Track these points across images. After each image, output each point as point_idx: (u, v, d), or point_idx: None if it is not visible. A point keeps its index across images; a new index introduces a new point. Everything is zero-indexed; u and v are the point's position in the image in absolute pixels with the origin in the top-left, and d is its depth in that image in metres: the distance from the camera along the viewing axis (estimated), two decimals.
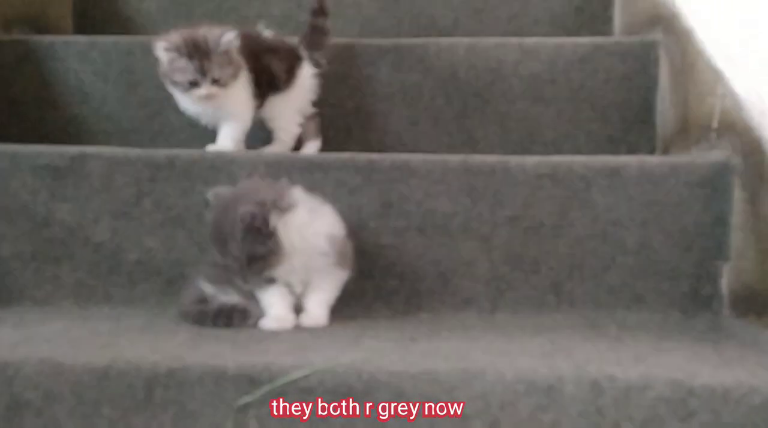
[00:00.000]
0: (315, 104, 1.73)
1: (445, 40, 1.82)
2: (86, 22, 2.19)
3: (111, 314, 1.38)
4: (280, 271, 1.27)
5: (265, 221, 1.23)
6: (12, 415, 1.07)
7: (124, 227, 1.44)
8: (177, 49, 1.53)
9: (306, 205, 1.29)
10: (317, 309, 1.30)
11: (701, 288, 1.40)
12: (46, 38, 1.88)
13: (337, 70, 1.80)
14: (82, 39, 1.87)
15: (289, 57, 1.69)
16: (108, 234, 1.44)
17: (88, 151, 1.46)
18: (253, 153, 1.51)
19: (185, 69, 1.53)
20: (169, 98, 1.81)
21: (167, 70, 1.56)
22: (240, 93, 1.61)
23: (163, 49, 1.54)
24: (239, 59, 1.58)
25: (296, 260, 1.27)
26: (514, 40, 1.80)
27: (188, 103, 1.60)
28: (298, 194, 1.30)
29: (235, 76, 1.57)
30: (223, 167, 1.45)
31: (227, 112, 1.61)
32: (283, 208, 1.25)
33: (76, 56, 1.83)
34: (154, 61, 1.81)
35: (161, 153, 1.47)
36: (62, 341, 1.17)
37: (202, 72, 1.53)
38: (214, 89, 1.54)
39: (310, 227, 1.27)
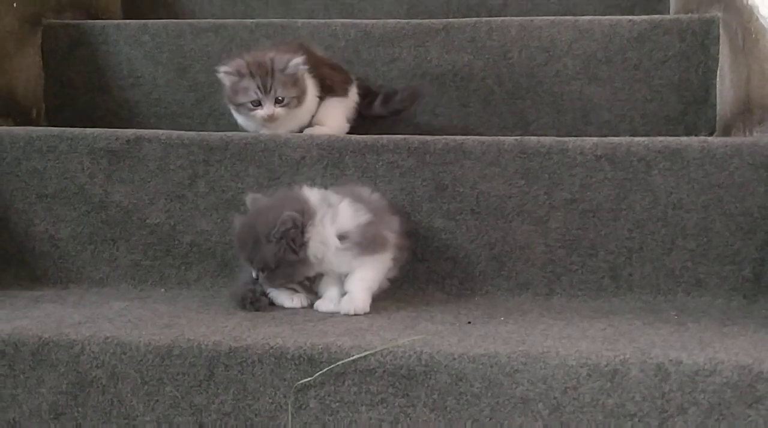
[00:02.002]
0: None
1: (496, 20, 1.79)
2: (134, 8, 2.21)
3: (167, 295, 1.40)
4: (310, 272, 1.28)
5: (302, 230, 1.23)
6: (78, 392, 1.09)
7: (178, 209, 1.45)
8: (238, 72, 1.51)
9: (322, 206, 1.27)
10: (356, 293, 1.27)
11: (764, 273, 1.37)
12: (98, 23, 1.90)
13: (386, 51, 1.79)
14: (133, 23, 1.88)
15: (343, 74, 1.69)
16: (163, 216, 1.45)
17: (144, 134, 1.47)
18: (305, 135, 1.50)
19: (247, 88, 1.51)
20: (219, 82, 1.82)
21: (230, 93, 1.54)
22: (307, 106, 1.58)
23: (224, 73, 1.53)
24: (306, 84, 1.55)
25: (324, 259, 1.26)
26: (568, 18, 1.77)
27: (252, 126, 1.57)
28: (312, 196, 1.28)
29: (300, 100, 1.54)
30: (276, 149, 1.45)
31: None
32: (312, 217, 1.25)
33: (127, 40, 1.85)
34: (204, 44, 1.83)
35: (215, 136, 1.47)
36: (124, 321, 1.19)
37: (265, 90, 1.50)
38: (278, 110, 1.51)
39: (325, 232, 1.26)
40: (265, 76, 1.50)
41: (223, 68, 1.53)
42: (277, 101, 1.51)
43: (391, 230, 1.31)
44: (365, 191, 1.36)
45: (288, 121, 1.56)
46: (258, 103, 1.51)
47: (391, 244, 1.31)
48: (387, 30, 1.80)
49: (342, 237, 1.26)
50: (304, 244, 1.24)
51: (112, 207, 1.46)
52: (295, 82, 1.53)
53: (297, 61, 1.52)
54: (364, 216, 1.27)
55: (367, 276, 1.28)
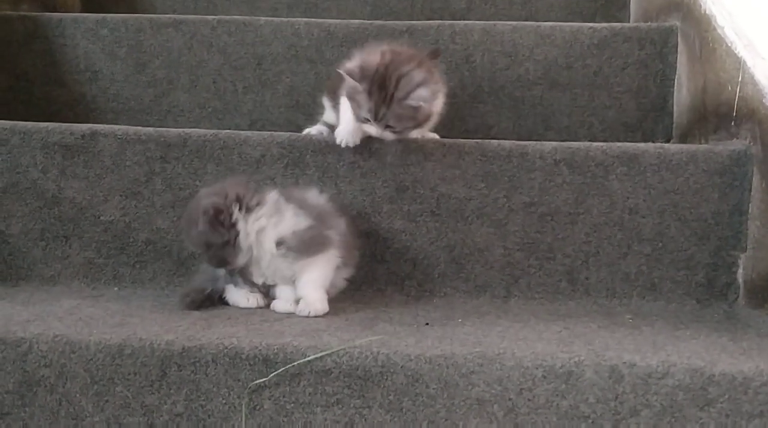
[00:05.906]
0: None
1: (460, 23, 1.80)
2: (92, 1, 2.17)
3: (120, 294, 1.37)
4: (255, 272, 1.28)
5: (227, 213, 1.25)
6: (25, 391, 1.06)
7: (134, 206, 1.43)
8: (359, 81, 1.33)
9: (272, 207, 1.28)
10: (310, 295, 1.26)
11: (717, 278, 1.39)
12: (55, 15, 1.86)
13: (349, 52, 1.78)
14: (91, 16, 1.85)
15: None
16: (118, 213, 1.42)
17: (100, 129, 1.44)
18: (266, 134, 1.48)
19: (361, 105, 1.32)
20: (179, 77, 1.80)
21: (349, 93, 1.36)
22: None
23: (345, 74, 1.35)
24: (432, 108, 1.37)
25: (262, 262, 1.27)
26: (530, 24, 1.78)
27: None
28: (270, 196, 1.30)
29: (419, 125, 1.37)
30: (236, 147, 1.43)
31: None
32: (248, 206, 1.27)
33: (85, 34, 1.81)
34: (165, 39, 1.80)
35: (173, 132, 1.45)
36: (74, 319, 1.16)
37: (377, 116, 1.32)
38: (386, 133, 1.34)
39: (264, 232, 1.27)
40: (380, 102, 1.31)
41: (343, 72, 1.36)
42: (388, 127, 1.34)
43: (336, 231, 1.31)
44: (313, 194, 1.35)
45: None
46: (368, 121, 1.35)
47: (335, 243, 1.30)
48: (350, 30, 1.79)
49: (279, 243, 1.26)
50: (231, 226, 1.25)
51: (66, 203, 1.42)
52: (416, 110, 1.33)
53: (421, 94, 1.31)
54: (303, 222, 1.28)
55: (314, 276, 1.27)
